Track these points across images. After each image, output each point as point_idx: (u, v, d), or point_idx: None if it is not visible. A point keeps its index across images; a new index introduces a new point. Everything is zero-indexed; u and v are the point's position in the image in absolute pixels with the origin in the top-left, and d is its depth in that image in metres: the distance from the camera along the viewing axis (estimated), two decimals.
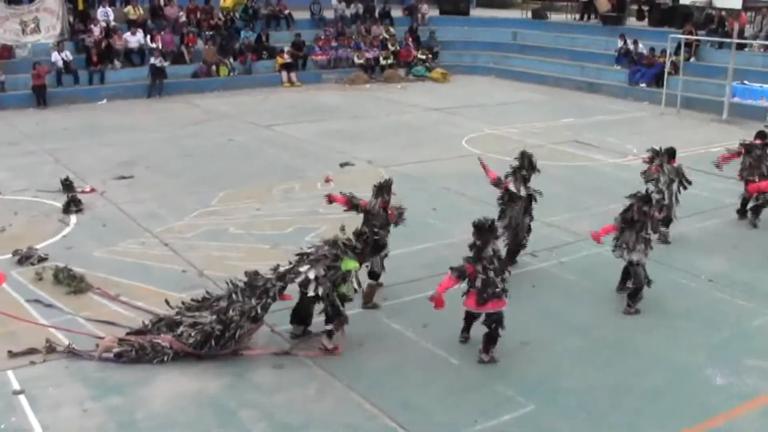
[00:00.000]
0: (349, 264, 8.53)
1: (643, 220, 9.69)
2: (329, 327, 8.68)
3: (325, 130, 20.62)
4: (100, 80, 25.59)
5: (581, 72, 28.91)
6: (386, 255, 10.09)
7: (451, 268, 8.44)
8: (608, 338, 9.22)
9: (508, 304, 8.60)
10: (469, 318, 8.87)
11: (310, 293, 8.51)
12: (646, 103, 25.24)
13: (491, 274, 8.38)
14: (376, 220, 9.78)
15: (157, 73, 25.58)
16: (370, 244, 8.94)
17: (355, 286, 8.60)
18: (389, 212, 9.95)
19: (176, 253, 11.61)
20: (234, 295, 8.64)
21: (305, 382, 8.18)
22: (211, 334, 8.46)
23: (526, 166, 10.79)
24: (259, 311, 8.56)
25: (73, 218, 13.18)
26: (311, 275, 8.50)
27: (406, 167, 16.69)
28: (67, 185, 14.47)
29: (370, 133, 20.31)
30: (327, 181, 15.35)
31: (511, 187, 10.70)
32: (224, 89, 26.94)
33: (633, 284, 9.95)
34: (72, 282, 10.28)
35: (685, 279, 10.97)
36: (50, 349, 8.58)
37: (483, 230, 8.43)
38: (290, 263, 8.83)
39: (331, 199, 10.00)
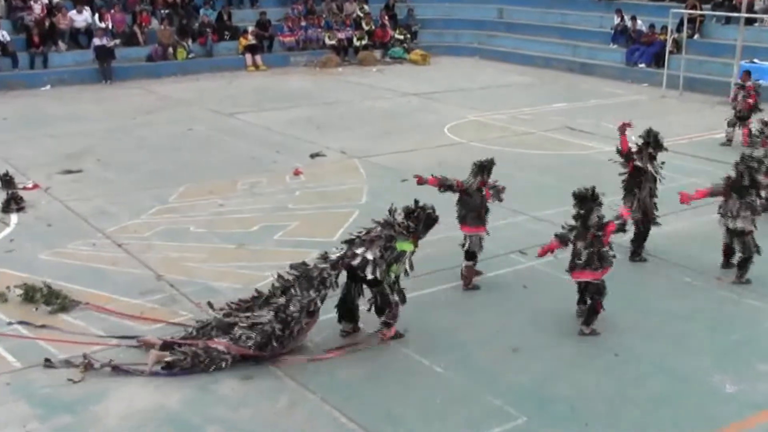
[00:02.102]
0: (404, 245, 8.86)
1: (751, 184, 10.21)
2: (383, 319, 9.05)
3: (293, 118, 20.60)
4: (43, 64, 25.44)
5: (573, 52, 29.07)
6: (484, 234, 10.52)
7: (556, 234, 9.38)
8: (605, 343, 9.27)
9: (597, 276, 9.19)
10: (580, 288, 9.55)
11: (369, 275, 8.75)
12: (646, 85, 25.42)
13: (581, 244, 9.15)
14: (472, 200, 10.30)
15: (104, 54, 25.33)
16: (422, 220, 9.15)
17: (407, 267, 8.89)
18: (485, 192, 10.40)
19: (131, 255, 11.57)
20: (293, 289, 8.77)
21: (275, 394, 8.18)
22: (272, 333, 8.54)
23: (652, 143, 11.34)
24: (318, 304, 8.75)
25: (13, 217, 13.11)
26: (369, 256, 8.75)
27: (382, 158, 16.72)
28: (7, 181, 14.38)
29: (344, 121, 20.32)
30: (296, 173, 15.44)
31: (639, 163, 11.17)
32: (182, 74, 26.84)
33: (741, 254, 10.53)
34: (55, 299, 9.82)
35: (688, 276, 11.04)
36: (88, 365, 8.43)
37: (585, 199, 9.18)
38: (338, 249, 9.05)
39: (420, 181, 10.38)
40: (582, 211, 9.19)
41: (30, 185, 14.61)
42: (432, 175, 10.44)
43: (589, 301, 9.39)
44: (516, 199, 12.45)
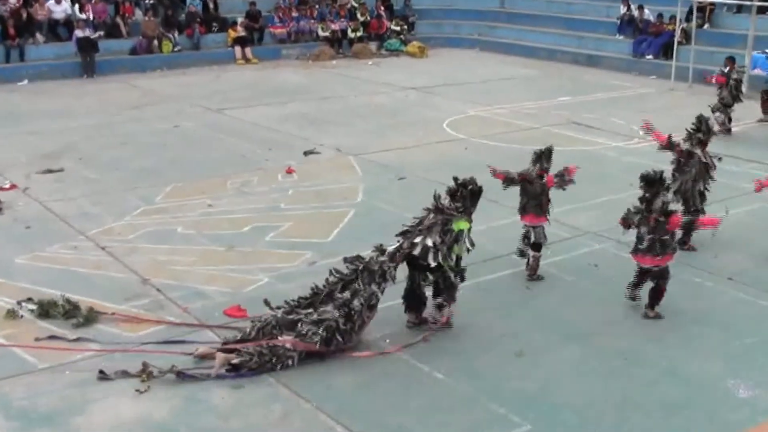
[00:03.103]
0: (461, 224, 9.24)
1: None
2: (440, 300, 9.43)
3: (285, 113, 20.60)
4: (20, 57, 25.35)
5: (578, 43, 29.12)
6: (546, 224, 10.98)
7: (623, 217, 9.82)
8: (612, 346, 9.30)
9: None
10: (640, 273, 9.89)
11: (431, 263, 9.10)
12: (653, 77, 25.47)
13: (644, 229, 9.54)
14: (533, 188, 10.78)
15: (86, 47, 25.29)
16: (467, 197, 9.48)
17: (468, 245, 9.28)
18: (546, 179, 10.81)
19: (115, 259, 11.56)
20: (356, 283, 9.03)
21: (268, 403, 8.19)
22: (336, 328, 8.82)
23: (703, 129, 11.79)
24: (379, 296, 9.08)
25: None
26: (429, 243, 9.10)
27: (379, 155, 16.74)
28: None
29: (338, 117, 20.33)
30: (289, 172, 15.45)
31: (687, 147, 11.65)
32: (168, 68, 26.81)
33: None
34: (74, 311, 9.70)
35: (699, 277, 11.08)
36: (149, 374, 8.45)
37: (652, 182, 9.60)
38: (396, 242, 9.40)
39: (496, 175, 10.94)
40: (647, 195, 9.60)
41: (7, 186, 14.58)
42: (498, 171, 10.94)
43: (652, 285, 9.83)
44: (519, 198, 12.48)
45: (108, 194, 14.31)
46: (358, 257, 9.26)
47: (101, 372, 8.53)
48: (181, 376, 8.49)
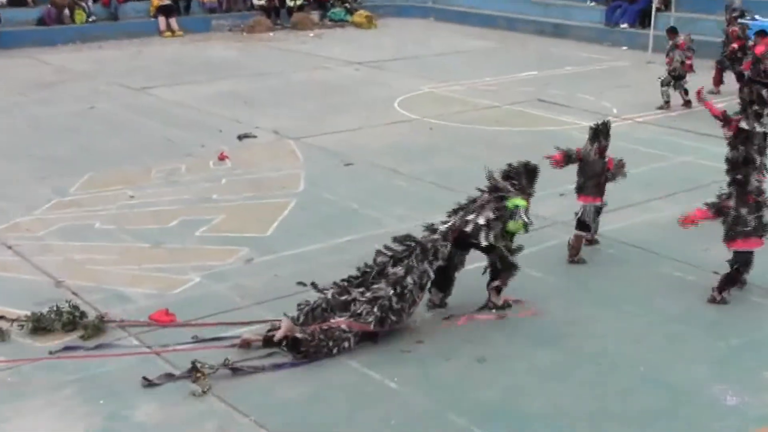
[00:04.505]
0: (517, 201, 9.74)
1: None
2: (497, 283, 9.95)
3: (216, 92, 20.55)
4: None
5: (544, 11, 29.31)
6: (603, 206, 11.41)
7: (706, 203, 10.17)
8: (585, 350, 9.34)
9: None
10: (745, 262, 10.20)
11: (483, 242, 9.58)
12: (627, 48, 25.67)
13: (745, 210, 9.94)
14: (591, 167, 11.17)
15: None
16: (522, 174, 9.99)
17: (525, 219, 9.75)
18: (606, 160, 11.20)
19: (23, 258, 11.44)
20: (409, 260, 9.45)
21: (200, 419, 8.12)
22: (390, 307, 9.23)
23: (756, 100, 12.27)
24: (431, 275, 9.53)
25: None
26: (481, 221, 9.55)
27: (322, 139, 16.73)
28: None
29: (276, 97, 20.30)
30: (221, 158, 15.39)
31: (743, 124, 11.56)
32: (82, 41, 26.61)
33: None
34: (78, 318, 9.52)
35: (680, 271, 11.16)
36: (201, 373, 8.56)
37: (739, 164, 10.02)
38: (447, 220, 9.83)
39: (554, 162, 11.39)
40: (739, 177, 9.98)
41: None
42: (558, 149, 11.39)
43: (730, 269, 10.15)
44: (480, 184, 12.50)
45: (14, 185, 14.17)
46: (409, 236, 9.71)
47: (145, 378, 8.55)
48: (235, 370, 8.69)
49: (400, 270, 9.39)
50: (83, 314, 9.60)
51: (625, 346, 9.39)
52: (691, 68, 18.98)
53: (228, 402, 8.33)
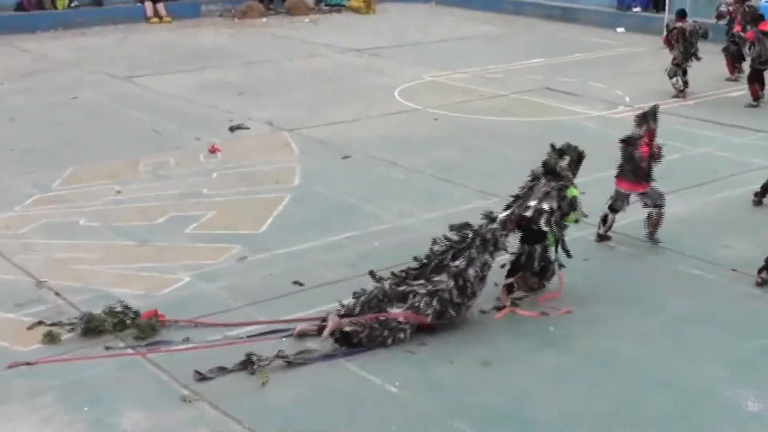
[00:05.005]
0: (574, 190, 10.10)
1: None
2: (510, 280, 10.21)
3: (207, 82, 20.54)
4: None
5: None
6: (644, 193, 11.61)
7: None
8: (592, 352, 9.35)
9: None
10: None
11: (543, 227, 9.88)
12: (640, 34, 25.64)
13: None
14: (633, 149, 11.49)
15: None
16: (575, 161, 10.23)
17: (581, 214, 10.18)
18: (654, 145, 11.52)
19: (4, 257, 11.44)
20: (470, 251, 9.67)
21: (190, 427, 8.13)
22: (450, 300, 9.51)
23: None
24: (491, 266, 9.80)
25: None
26: (545, 206, 9.87)
27: (318, 131, 16.73)
28: None
29: (269, 86, 20.31)
30: (212, 151, 15.38)
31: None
32: (64, 28, 26.58)
33: None
34: (128, 318, 9.59)
35: (698, 269, 11.16)
36: (257, 366, 8.83)
37: None
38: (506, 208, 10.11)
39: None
40: None
41: None
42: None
43: None
44: (485, 177, 12.57)
45: None
46: (467, 224, 9.88)
47: (197, 372, 8.66)
48: (289, 363, 8.95)
49: (462, 262, 9.57)
50: (137, 314, 9.67)
51: (636, 348, 9.38)
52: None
53: (219, 408, 8.33)
